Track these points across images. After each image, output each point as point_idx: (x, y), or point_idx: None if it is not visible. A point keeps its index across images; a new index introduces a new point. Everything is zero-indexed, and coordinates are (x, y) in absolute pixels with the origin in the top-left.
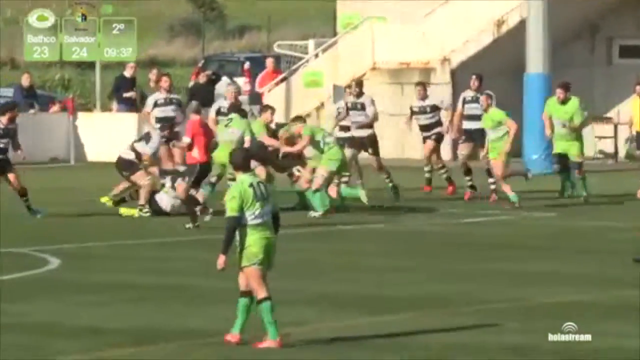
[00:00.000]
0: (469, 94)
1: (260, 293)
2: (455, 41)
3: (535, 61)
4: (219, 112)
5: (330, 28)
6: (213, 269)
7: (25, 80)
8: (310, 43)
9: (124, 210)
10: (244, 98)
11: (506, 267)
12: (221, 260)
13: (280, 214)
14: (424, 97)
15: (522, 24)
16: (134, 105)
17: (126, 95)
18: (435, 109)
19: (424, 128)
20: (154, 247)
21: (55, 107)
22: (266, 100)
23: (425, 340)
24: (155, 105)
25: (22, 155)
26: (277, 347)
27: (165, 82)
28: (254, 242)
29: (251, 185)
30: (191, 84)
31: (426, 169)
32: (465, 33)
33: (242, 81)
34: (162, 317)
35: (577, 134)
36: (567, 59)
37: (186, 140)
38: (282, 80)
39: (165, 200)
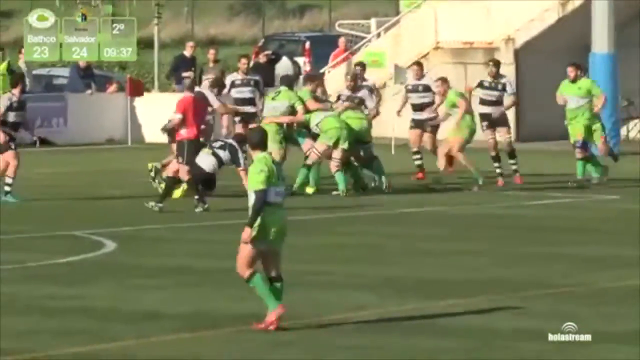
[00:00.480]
0: (487, 79)
1: (245, 272)
2: (519, 20)
3: (601, 40)
4: (233, 85)
5: (392, 6)
6: None
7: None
8: (372, 22)
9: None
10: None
11: (572, 250)
12: (247, 232)
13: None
14: (420, 76)
15: (587, 2)
16: None
17: (185, 75)
18: (428, 89)
19: (416, 107)
20: (210, 229)
21: (113, 87)
22: (328, 80)
23: (493, 326)
24: (233, 86)
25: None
26: (282, 311)
27: (243, 63)
28: (271, 221)
29: (274, 162)
30: (251, 63)
31: (416, 156)
32: (530, 12)
33: (302, 61)
34: (219, 302)
35: (592, 114)
36: (632, 38)
37: (176, 116)
38: (343, 60)
39: (205, 161)
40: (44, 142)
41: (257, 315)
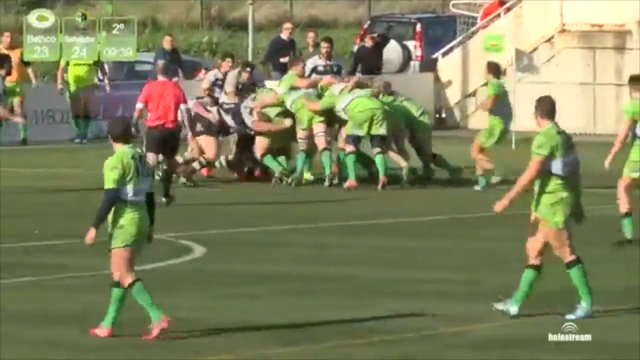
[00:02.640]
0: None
1: (128, 278)
2: None
3: None
4: (314, 71)
5: None
6: (376, 256)
7: (167, 43)
8: (491, 2)
9: None
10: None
11: None
12: (92, 234)
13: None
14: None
15: None
16: None
17: (283, 60)
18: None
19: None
20: (307, 232)
21: (202, 75)
22: (441, 66)
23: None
24: (314, 71)
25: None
26: (166, 326)
27: (325, 47)
28: (130, 221)
29: (133, 157)
30: (356, 47)
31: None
32: None
33: (412, 45)
34: (318, 313)
35: None
36: None
37: (138, 106)
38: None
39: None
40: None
41: (361, 329)
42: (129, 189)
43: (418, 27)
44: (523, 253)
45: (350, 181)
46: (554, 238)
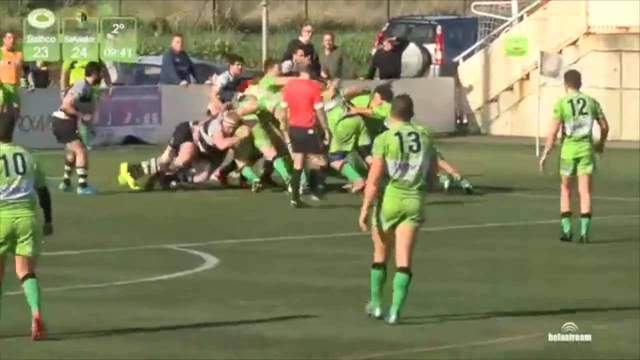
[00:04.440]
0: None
1: None
2: None
3: None
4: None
5: None
6: (390, 268)
7: (176, 44)
8: (514, 3)
9: None
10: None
11: None
12: None
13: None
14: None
15: None
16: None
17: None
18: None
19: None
20: (323, 243)
21: (213, 79)
22: (462, 70)
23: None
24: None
25: None
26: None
27: (300, 55)
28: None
29: (3, 157)
30: (374, 51)
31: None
32: None
33: (432, 48)
34: (334, 327)
35: None
36: None
37: (283, 105)
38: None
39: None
40: (134, 140)
41: (379, 343)
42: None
43: (438, 30)
44: (535, 264)
45: (356, 182)
46: None
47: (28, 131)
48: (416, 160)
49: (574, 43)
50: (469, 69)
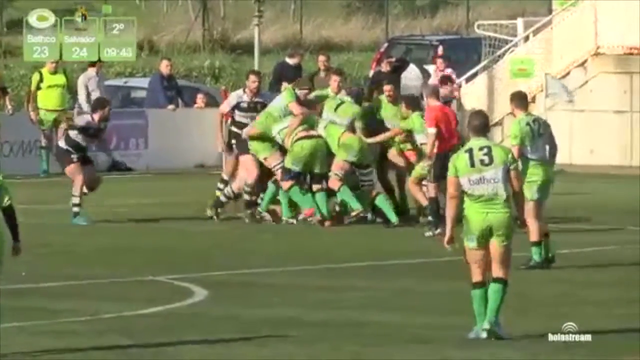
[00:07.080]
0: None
1: None
2: None
3: None
4: (237, 107)
5: (543, 4)
6: (394, 301)
7: (164, 68)
8: (519, 23)
9: None
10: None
11: None
12: None
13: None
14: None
15: None
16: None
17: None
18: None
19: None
20: (319, 274)
21: (199, 102)
22: (465, 92)
23: None
24: (237, 108)
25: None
26: None
27: (253, 82)
28: None
29: None
30: (372, 72)
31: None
32: None
33: (433, 69)
34: None
35: None
36: None
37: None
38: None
39: None
40: (119, 167)
41: None
42: None
43: (440, 50)
44: (547, 297)
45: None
46: None
47: (8, 156)
48: (490, 174)
49: (582, 64)
50: (472, 91)
